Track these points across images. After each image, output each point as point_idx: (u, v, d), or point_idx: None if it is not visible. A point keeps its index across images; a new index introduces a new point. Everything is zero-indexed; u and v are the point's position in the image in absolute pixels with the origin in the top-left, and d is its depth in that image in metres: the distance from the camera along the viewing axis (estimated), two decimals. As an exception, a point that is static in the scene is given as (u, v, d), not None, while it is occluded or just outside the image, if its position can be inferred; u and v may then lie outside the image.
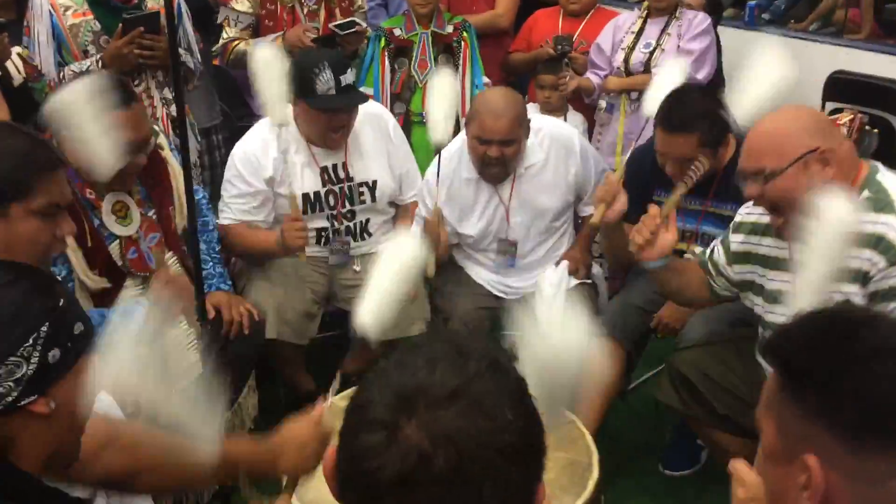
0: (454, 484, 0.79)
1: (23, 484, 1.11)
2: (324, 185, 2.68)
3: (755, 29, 3.96)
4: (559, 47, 3.42)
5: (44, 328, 1.10)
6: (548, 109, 3.30)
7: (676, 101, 2.39)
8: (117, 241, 2.13)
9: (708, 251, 2.17)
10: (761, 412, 1.03)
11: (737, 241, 2.06)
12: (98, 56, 2.72)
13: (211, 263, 2.43)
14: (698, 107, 2.36)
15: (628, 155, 2.58)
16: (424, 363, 0.84)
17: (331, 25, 3.11)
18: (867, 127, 3.64)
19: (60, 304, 1.14)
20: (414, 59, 3.24)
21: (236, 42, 3.22)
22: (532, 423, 0.85)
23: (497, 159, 2.57)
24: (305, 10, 3.21)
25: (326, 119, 2.57)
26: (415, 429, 0.79)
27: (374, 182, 2.75)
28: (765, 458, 1.03)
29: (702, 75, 3.17)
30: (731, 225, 2.09)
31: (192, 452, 1.28)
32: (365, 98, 2.64)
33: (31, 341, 1.09)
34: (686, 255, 2.48)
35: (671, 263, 2.12)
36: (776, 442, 0.99)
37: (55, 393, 1.12)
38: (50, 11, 2.71)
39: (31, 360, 1.09)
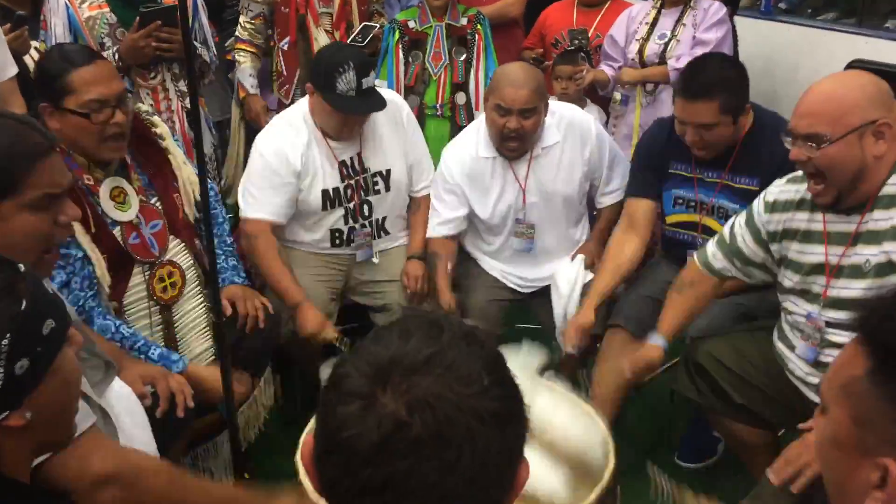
0: (433, 450, 0.78)
1: (11, 492, 1.04)
2: (343, 179, 2.68)
3: (772, 18, 3.91)
4: (575, 41, 3.41)
5: (4, 341, 0.99)
6: (565, 101, 3.27)
7: (697, 68, 2.42)
8: (118, 227, 2.12)
9: (721, 239, 2.17)
10: (832, 392, 0.92)
11: (774, 220, 2.03)
12: (115, 48, 2.73)
13: (223, 256, 2.42)
14: (719, 74, 2.37)
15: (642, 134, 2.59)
16: (398, 336, 0.84)
17: (350, 41, 3.13)
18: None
19: (23, 306, 1.02)
20: (428, 51, 3.23)
21: (238, 51, 3.27)
22: (510, 391, 0.84)
23: (516, 132, 2.57)
24: (320, -4, 3.21)
25: (341, 118, 2.58)
26: (391, 397, 0.79)
27: (388, 171, 2.75)
28: (831, 443, 0.92)
29: (718, 66, 3.14)
30: (765, 204, 2.06)
31: (194, 490, 1.26)
32: (383, 104, 2.62)
33: None
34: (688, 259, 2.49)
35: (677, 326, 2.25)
36: (850, 433, 0.88)
37: (31, 402, 1.03)
38: (66, 4, 2.73)
39: None
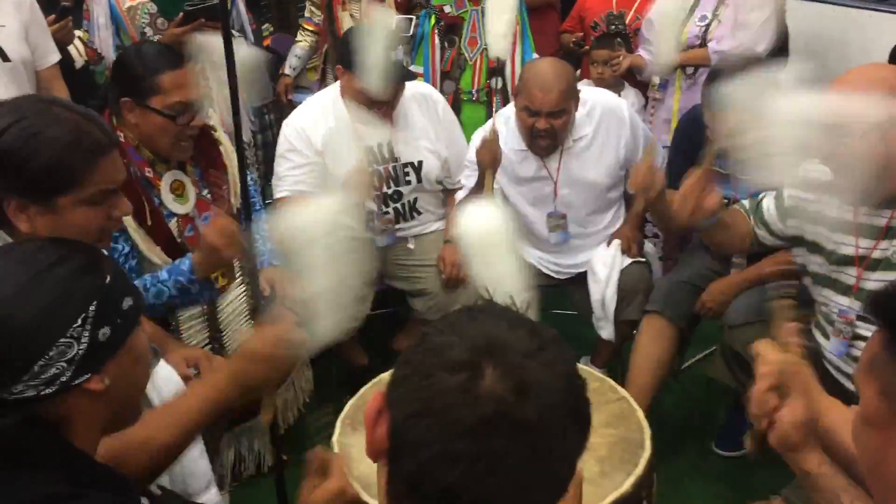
0: (533, 434, 0.78)
1: (77, 461, 1.11)
2: (368, 164, 2.69)
3: (818, -1, 3.82)
4: (612, 25, 3.37)
5: (92, 307, 1.09)
6: (602, 86, 3.25)
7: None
8: (175, 218, 2.16)
9: (755, 202, 2.13)
10: (860, 375, 0.95)
11: (794, 196, 2.00)
12: (155, 38, 2.78)
13: (260, 240, 2.46)
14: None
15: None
16: (507, 323, 0.85)
17: (399, 20, 3.15)
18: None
19: (107, 280, 1.13)
20: (464, 36, 3.23)
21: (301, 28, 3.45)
22: (586, 397, 0.86)
23: (546, 131, 2.55)
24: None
25: (370, 96, 2.57)
26: (500, 374, 0.79)
27: (420, 163, 2.75)
28: (863, 424, 0.94)
29: (761, 48, 3.06)
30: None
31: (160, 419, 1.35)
32: (412, 76, 2.63)
33: (80, 321, 1.08)
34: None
35: (721, 219, 2.06)
36: (878, 405, 0.91)
37: (109, 369, 1.12)
38: (108, -6, 2.78)
39: (82, 340, 1.08)
